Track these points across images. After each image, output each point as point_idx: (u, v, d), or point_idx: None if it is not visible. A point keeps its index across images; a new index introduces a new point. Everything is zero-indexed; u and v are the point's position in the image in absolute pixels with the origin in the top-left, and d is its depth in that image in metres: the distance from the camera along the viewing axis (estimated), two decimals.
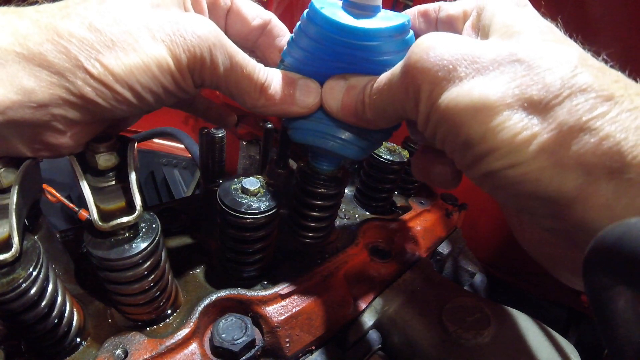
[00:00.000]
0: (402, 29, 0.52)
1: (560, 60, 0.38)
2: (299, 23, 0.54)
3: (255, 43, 0.66)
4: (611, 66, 0.41)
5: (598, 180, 0.35)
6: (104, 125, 0.53)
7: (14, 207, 0.44)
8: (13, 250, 0.43)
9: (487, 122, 0.39)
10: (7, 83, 0.41)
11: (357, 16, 0.51)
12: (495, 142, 0.39)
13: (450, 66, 0.42)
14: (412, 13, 0.58)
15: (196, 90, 0.54)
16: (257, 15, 0.63)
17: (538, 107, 0.37)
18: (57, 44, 0.43)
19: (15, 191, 0.45)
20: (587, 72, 0.37)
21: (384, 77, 0.51)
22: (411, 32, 0.54)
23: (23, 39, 0.42)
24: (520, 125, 0.37)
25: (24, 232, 0.47)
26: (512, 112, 0.38)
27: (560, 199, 0.37)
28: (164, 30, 0.47)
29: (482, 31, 0.47)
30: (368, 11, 0.52)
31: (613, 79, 0.37)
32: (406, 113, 0.49)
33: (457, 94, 0.41)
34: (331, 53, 0.53)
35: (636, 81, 0.40)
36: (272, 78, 0.55)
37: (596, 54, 0.42)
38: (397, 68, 0.48)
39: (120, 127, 0.60)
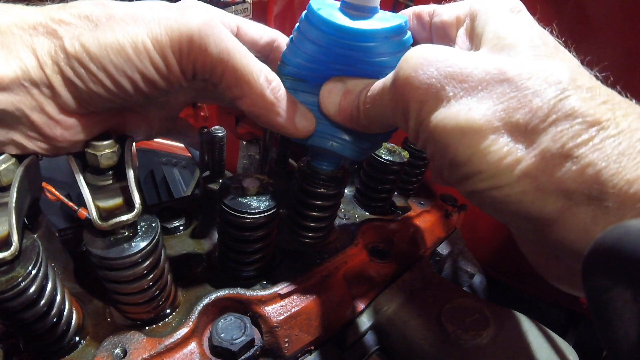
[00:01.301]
0: (398, 30, 0.51)
1: (549, 81, 0.38)
2: (297, 25, 0.54)
3: (265, 61, 0.66)
4: (603, 78, 0.41)
5: (578, 205, 0.36)
6: (101, 122, 0.52)
7: (14, 205, 0.44)
8: (12, 248, 0.43)
9: (473, 146, 0.39)
10: (11, 59, 0.43)
11: (354, 17, 0.51)
12: (481, 165, 0.39)
13: (439, 85, 0.41)
14: (407, 14, 0.58)
15: (187, 82, 0.51)
16: (264, 33, 0.63)
17: (524, 131, 0.38)
18: (46, 26, 0.45)
19: (15, 189, 0.45)
20: (575, 95, 0.37)
21: (377, 86, 0.50)
22: (409, 33, 0.54)
23: (22, 21, 0.45)
24: (505, 149, 0.38)
25: (23, 230, 0.47)
26: (498, 136, 0.39)
27: (541, 219, 0.38)
28: (150, 12, 0.47)
29: (475, 39, 0.47)
30: (365, 12, 0.52)
31: (602, 100, 0.37)
32: (397, 125, 0.50)
33: (444, 115, 0.41)
34: (329, 54, 0.53)
35: (626, 96, 0.40)
36: (280, 84, 0.55)
37: (595, 58, 0.42)
38: (388, 79, 0.48)
39: (126, 132, 0.59)
